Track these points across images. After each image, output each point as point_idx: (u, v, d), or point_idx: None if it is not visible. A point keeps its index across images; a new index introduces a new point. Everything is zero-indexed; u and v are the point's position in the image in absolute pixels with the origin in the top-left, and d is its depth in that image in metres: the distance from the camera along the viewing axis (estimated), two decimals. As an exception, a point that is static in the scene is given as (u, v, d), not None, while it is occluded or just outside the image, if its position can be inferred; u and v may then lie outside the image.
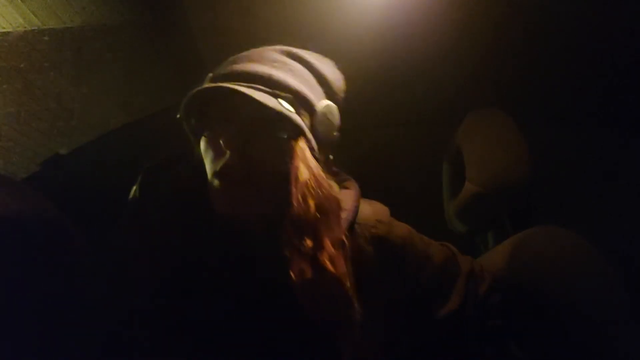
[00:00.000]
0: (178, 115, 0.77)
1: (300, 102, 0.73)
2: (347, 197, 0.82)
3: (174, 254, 0.72)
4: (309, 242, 0.68)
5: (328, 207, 0.72)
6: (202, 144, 0.75)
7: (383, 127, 1.67)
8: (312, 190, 0.70)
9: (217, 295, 0.70)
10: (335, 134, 0.79)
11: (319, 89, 0.78)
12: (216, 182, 0.71)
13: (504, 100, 1.29)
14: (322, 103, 0.76)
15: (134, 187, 0.82)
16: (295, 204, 0.69)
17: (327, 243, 0.69)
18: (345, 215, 0.77)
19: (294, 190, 0.69)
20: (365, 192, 1.53)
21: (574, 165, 1.56)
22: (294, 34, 1.27)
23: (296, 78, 0.75)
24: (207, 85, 0.73)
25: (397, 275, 0.80)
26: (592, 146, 1.56)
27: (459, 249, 0.94)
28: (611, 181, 1.52)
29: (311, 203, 0.70)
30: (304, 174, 0.70)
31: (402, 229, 0.85)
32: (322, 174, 0.74)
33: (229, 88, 0.70)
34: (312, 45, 1.20)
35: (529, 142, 1.03)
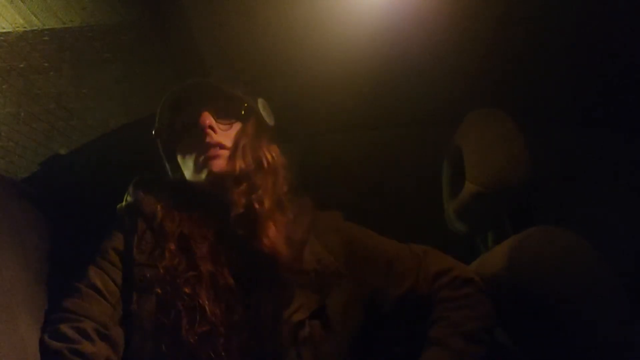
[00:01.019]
0: (153, 132, 1.02)
1: (247, 95, 1.01)
2: (305, 201, 1.05)
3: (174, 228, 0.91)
4: (244, 186, 0.93)
5: (263, 164, 0.97)
6: (179, 154, 1.00)
7: (383, 127, 1.67)
8: (250, 152, 0.96)
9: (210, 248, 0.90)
10: (272, 123, 1.05)
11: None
12: (202, 158, 0.94)
13: (504, 100, 1.29)
14: (259, 100, 1.05)
15: (126, 195, 0.99)
16: (237, 160, 0.94)
17: (261, 189, 0.93)
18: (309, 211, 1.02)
19: (239, 152, 0.95)
20: (366, 192, 1.55)
21: (573, 166, 1.55)
22: (294, 34, 1.28)
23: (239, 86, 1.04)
24: (180, 85, 0.99)
25: (363, 257, 0.99)
26: (592, 146, 1.56)
27: (459, 249, 0.94)
28: (611, 181, 1.52)
29: (250, 160, 0.95)
30: (247, 141, 0.97)
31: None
32: (265, 143, 1.00)
33: (203, 81, 1.00)
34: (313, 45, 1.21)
35: (529, 142, 1.03)
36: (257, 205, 0.91)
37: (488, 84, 1.46)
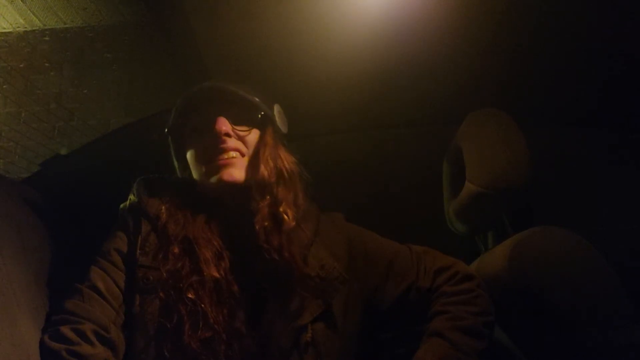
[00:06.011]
0: (166, 130, 1.01)
1: (264, 101, 1.00)
2: (311, 207, 1.04)
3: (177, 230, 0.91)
4: (268, 197, 0.93)
5: (284, 175, 0.97)
6: (190, 155, 0.99)
7: (384, 128, 1.67)
8: (272, 162, 0.96)
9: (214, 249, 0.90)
10: (286, 130, 1.04)
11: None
12: (215, 163, 0.93)
13: (504, 100, 1.29)
14: (275, 106, 1.04)
15: (130, 195, 0.98)
16: (258, 170, 0.94)
17: (283, 200, 0.93)
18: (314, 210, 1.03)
19: (261, 161, 0.95)
20: (366, 193, 1.55)
21: (574, 165, 1.56)
22: (295, 35, 1.28)
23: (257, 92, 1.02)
24: (199, 86, 0.97)
25: (363, 257, 1.00)
26: (592, 146, 1.56)
27: (459, 249, 0.94)
28: (611, 181, 1.52)
29: (272, 171, 0.95)
30: (267, 151, 0.96)
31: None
32: (283, 152, 1.00)
33: (221, 85, 0.98)
34: (313, 45, 1.21)
35: (529, 142, 1.03)
36: (285, 218, 0.92)
37: (488, 84, 1.46)
